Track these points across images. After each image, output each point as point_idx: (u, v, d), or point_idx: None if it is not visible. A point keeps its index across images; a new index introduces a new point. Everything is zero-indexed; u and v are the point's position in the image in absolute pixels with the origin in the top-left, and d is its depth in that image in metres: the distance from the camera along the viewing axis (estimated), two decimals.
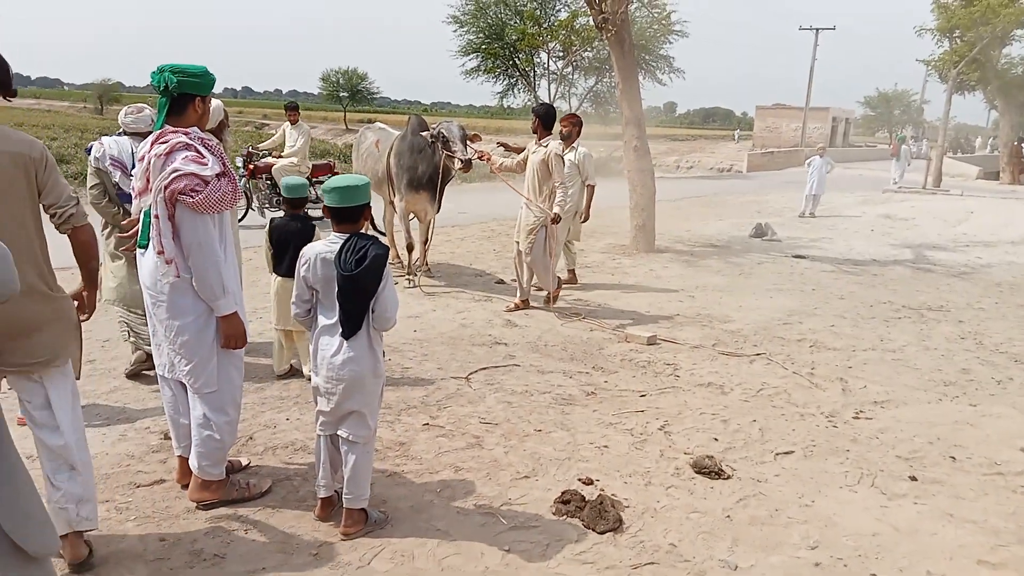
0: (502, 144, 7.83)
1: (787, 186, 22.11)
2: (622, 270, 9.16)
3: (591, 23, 15.97)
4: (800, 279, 8.94)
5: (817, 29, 43.63)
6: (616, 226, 12.62)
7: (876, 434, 4.34)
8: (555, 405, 4.61)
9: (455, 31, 25.05)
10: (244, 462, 3.66)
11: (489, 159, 7.10)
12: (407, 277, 7.86)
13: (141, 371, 4.83)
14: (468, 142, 6.93)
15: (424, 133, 7.13)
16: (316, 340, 3.03)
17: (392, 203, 8.07)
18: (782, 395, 4.94)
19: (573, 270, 8.31)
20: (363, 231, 3.00)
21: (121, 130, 4.92)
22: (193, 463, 3.22)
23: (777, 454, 4.03)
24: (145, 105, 5.54)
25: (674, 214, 14.71)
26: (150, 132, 5.48)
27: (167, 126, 3.06)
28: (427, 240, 7.98)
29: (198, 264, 2.99)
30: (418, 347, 5.72)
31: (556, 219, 6.58)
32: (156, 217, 2.94)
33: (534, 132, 6.73)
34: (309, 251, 2.99)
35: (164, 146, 2.96)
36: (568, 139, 7.33)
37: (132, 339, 4.79)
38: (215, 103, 5.99)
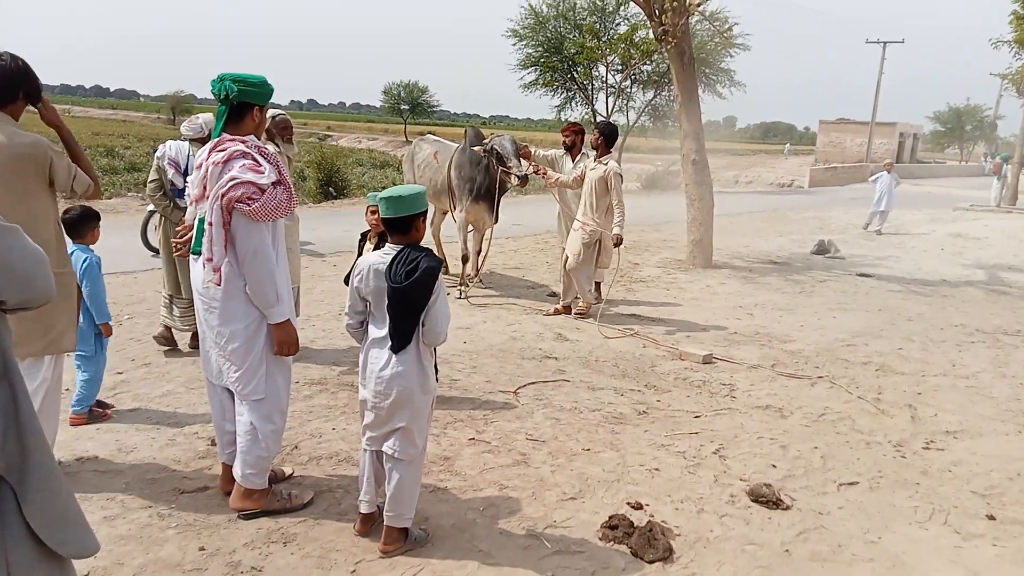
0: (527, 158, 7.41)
1: (851, 202, 21.47)
2: (678, 285, 8.95)
3: (651, 36, 15.80)
4: (865, 299, 8.58)
5: (885, 42, 42.49)
6: (673, 240, 12.41)
7: (949, 467, 4.08)
8: (605, 424, 4.47)
9: (514, 44, 25.15)
10: (288, 471, 3.63)
11: (545, 174, 7.12)
12: (459, 288, 7.87)
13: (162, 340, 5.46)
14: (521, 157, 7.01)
15: (476, 148, 7.25)
16: (366, 353, 2.97)
17: (448, 213, 8.27)
18: (846, 421, 4.69)
19: (599, 283, 8.02)
20: (418, 243, 2.93)
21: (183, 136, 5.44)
22: (237, 471, 3.19)
23: (840, 484, 3.80)
24: (200, 115, 5.93)
25: (733, 229, 14.38)
26: (204, 137, 5.85)
27: (225, 134, 3.06)
28: (481, 251, 8.01)
29: (253, 271, 2.97)
30: (467, 359, 5.65)
31: (618, 241, 6.66)
32: (210, 224, 2.93)
33: (594, 148, 6.88)
34: (363, 262, 2.94)
35: (222, 154, 2.95)
36: (572, 149, 7.40)
37: (164, 314, 5.42)
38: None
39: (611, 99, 24.64)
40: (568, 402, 4.81)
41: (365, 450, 3.05)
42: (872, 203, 15.26)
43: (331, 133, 64.81)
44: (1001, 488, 3.85)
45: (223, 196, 2.87)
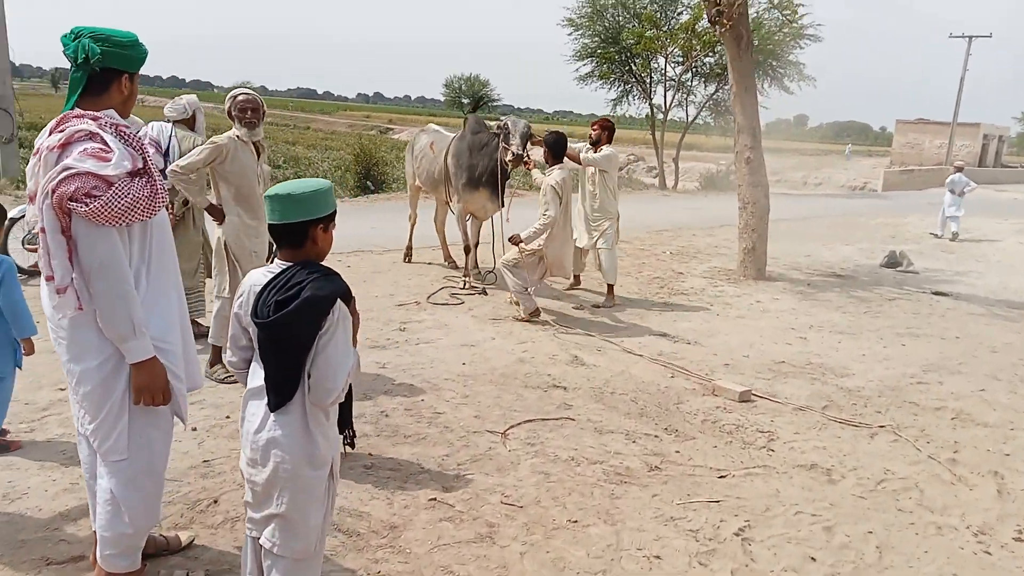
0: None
1: (928, 208, 19.82)
2: (723, 299, 7.98)
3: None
4: (941, 322, 7.46)
5: (970, 37, 39.88)
6: (726, 247, 11.37)
7: None
8: (604, 483, 3.63)
9: (569, 34, 24.20)
10: (185, 539, 2.90)
11: (530, 168, 6.99)
12: (463, 280, 7.70)
13: None
14: (529, 143, 6.84)
15: (485, 131, 7.16)
16: (244, 405, 2.22)
17: (447, 203, 8.22)
18: (912, 492, 3.74)
19: (611, 286, 7.51)
20: (313, 259, 2.16)
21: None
22: (97, 548, 2.49)
23: None
24: (184, 96, 5.80)
25: (793, 235, 13.21)
26: (188, 119, 5.40)
27: (77, 108, 2.34)
28: (478, 243, 7.90)
29: (100, 293, 2.26)
30: (461, 385, 4.86)
31: (513, 240, 6.48)
32: (43, 231, 2.23)
33: (544, 160, 6.76)
34: (245, 280, 2.19)
35: (60, 136, 2.24)
36: (597, 144, 7.27)
37: None
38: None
39: (670, 93, 23.50)
40: (566, 449, 3.98)
41: (247, 535, 2.30)
42: (944, 206, 14.23)
43: (392, 126, 64.84)
44: None
45: (52, 192, 2.16)
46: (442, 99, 68.01)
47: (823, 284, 9.12)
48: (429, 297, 7.17)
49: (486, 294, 7.47)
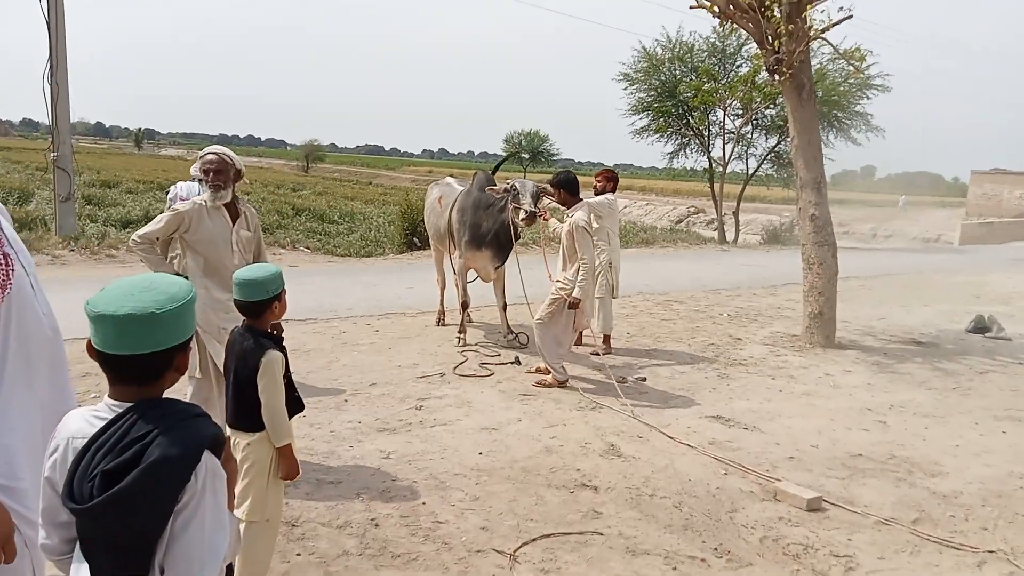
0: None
1: (1013, 264, 18.43)
2: (787, 372, 7.10)
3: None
4: None
5: None
6: (790, 308, 10.45)
7: None
8: None
9: (624, 89, 23.79)
10: None
11: (546, 220, 6.49)
12: (457, 337, 7.44)
13: None
14: (540, 199, 6.57)
15: (492, 188, 6.83)
16: None
17: (450, 256, 8.01)
18: None
19: (608, 336, 7.49)
20: (162, 395, 1.52)
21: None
22: None
23: None
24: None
25: (864, 296, 12.17)
26: None
27: None
28: (505, 305, 7.62)
29: None
30: (472, 483, 4.16)
31: (573, 304, 5.92)
32: None
33: (560, 204, 6.37)
34: (62, 430, 1.54)
35: None
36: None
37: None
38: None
39: (729, 145, 22.72)
40: None
41: None
42: None
43: None
44: None
45: None
46: (503, 154, 69.38)
47: (902, 353, 8.12)
48: (455, 368, 6.53)
49: (519, 363, 6.80)
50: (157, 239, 3.99)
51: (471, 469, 4.36)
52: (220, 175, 3.93)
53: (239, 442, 2.69)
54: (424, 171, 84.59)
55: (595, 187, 7.43)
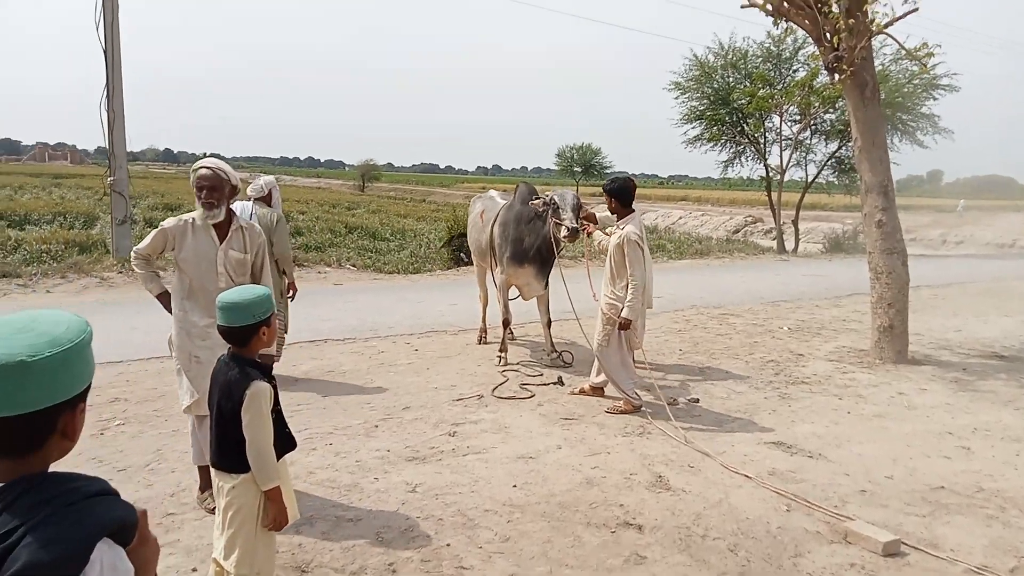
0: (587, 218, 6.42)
1: None
2: (855, 390, 6.53)
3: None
4: None
5: None
6: (856, 320, 9.82)
7: None
8: None
9: (676, 98, 23.23)
10: None
11: (590, 234, 6.19)
12: (498, 355, 7.15)
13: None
14: (581, 210, 6.28)
15: (535, 201, 6.59)
16: None
17: (491, 271, 7.71)
18: None
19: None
20: (45, 470, 1.18)
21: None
22: None
23: None
24: (263, 175, 6.48)
25: (937, 306, 11.39)
26: (265, 197, 6.12)
27: None
28: (549, 321, 7.26)
29: None
30: (504, 521, 3.79)
31: (624, 324, 5.59)
32: None
33: (612, 213, 5.92)
34: None
35: None
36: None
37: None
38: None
39: (787, 152, 21.92)
40: None
41: None
42: None
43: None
44: None
45: None
46: (556, 168, 69.68)
47: (983, 369, 7.44)
48: (494, 390, 6.18)
49: (562, 383, 6.42)
50: (149, 256, 3.84)
51: (503, 504, 3.99)
52: (214, 192, 3.67)
53: (223, 486, 2.39)
54: (478, 187, 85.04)
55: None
